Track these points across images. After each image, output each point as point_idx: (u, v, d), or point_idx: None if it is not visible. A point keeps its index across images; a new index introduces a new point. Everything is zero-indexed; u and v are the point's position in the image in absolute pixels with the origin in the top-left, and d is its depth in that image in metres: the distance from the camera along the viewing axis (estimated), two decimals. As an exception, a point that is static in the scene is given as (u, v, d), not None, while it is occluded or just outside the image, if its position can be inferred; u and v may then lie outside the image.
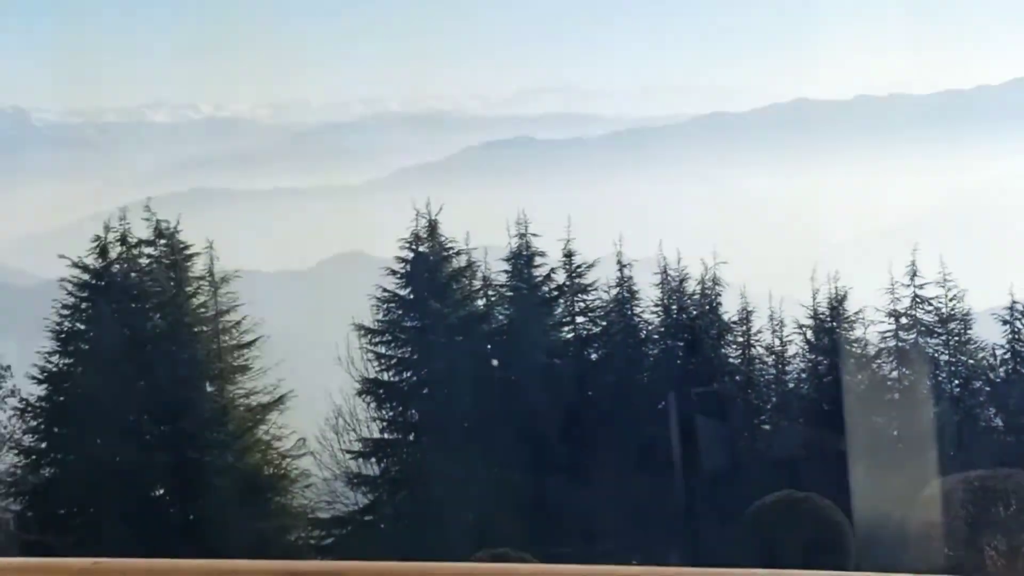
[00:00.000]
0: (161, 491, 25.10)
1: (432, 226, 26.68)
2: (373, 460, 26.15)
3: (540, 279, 27.25)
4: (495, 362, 26.22)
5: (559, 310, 27.43)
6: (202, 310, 26.39)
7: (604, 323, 27.21)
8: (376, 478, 26.09)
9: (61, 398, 25.33)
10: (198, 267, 26.38)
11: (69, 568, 2.62)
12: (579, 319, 27.35)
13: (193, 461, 24.29)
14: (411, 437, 26.33)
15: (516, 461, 24.26)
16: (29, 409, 25.34)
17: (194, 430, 24.77)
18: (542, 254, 27.31)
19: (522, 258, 27.13)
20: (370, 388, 26.25)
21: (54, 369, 25.37)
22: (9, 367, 26.37)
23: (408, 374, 26.39)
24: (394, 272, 26.62)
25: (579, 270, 27.24)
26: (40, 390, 25.40)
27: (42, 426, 25.40)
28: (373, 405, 26.42)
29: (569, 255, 27.14)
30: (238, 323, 26.47)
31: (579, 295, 27.31)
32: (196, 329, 26.10)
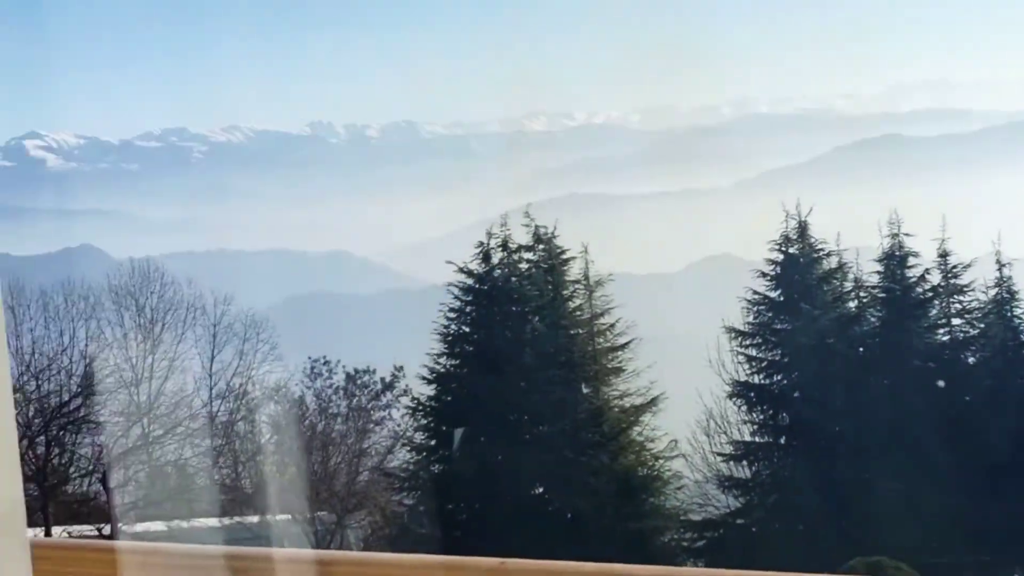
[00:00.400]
0: (540, 489, 25.68)
1: (802, 227, 26.40)
2: (744, 463, 25.94)
3: (914, 280, 26.40)
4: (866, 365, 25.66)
5: (934, 312, 26.46)
6: (578, 313, 26.93)
7: (982, 325, 26.19)
8: (747, 481, 25.88)
9: (448, 398, 26.37)
10: (574, 271, 27.01)
11: (477, 567, 2.73)
12: (955, 321, 26.37)
13: (570, 461, 24.65)
14: (782, 440, 26.08)
15: (889, 467, 23.60)
16: (420, 408, 26.62)
17: (571, 430, 25.24)
18: (915, 254, 26.42)
19: (895, 259, 26.33)
20: (741, 391, 26.17)
21: (442, 370, 26.48)
22: (402, 368, 27.87)
23: (779, 377, 26.17)
24: (764, 274, 26.50)
25: (955, 270, 26.20)
26: (430, 390, 26.58)
27: (432, 424, 26.51)
28: (744, 408, 26.31)
29: (944, 255, 26.15)
30: (612, 326, 26.87)
31: (955, 296, 26.31)
32: (572, 332, 26.65)
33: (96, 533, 22.11)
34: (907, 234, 26.43)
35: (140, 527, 23.67)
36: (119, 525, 23.32)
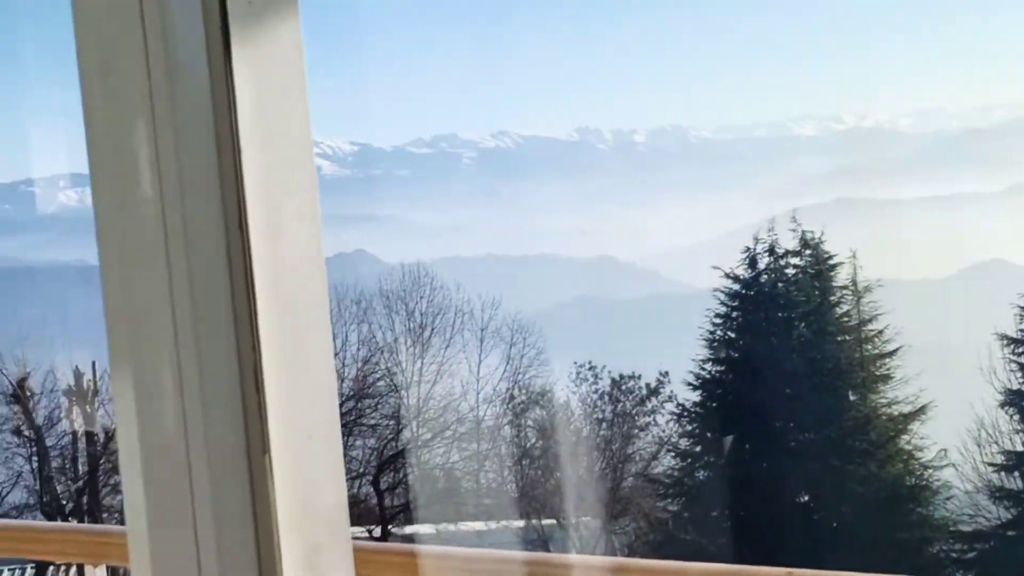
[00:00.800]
0: (806, 498, 25.26)
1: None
2: (1016, 474, 24.83)
3: None
4: None
5: None
6: (845, 319, 26.32)
7: None
8: (1020, 492, 24.74)
9: (713, 404, 26.19)
10: (841, 277, 26.45)
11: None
12: None
13: (836, 469, 24.19)
14: (1061, 452, 24.82)
15: None
16: (685, 414, 26.53)
17: (837, 438, 24.71)
18: None
19: None
20: (1013, 400, 24.97)
21: (707, 376, 26.34)
22: (667, 373, 27.74)
23: (1056, 386, 24.93)
24: (1041, 279, 25.25)
25: None
26: (695, 396, 26.48)
27: (697, 430, 26.40)
28: (1016, 417, 25.12)
29: None
30: (880, 332, 26.15)
31: None
32: (839, 338, 26.06)
33: (367, 535, 22.70)
34: None
35: (409, 529, 24.21)
36: (389, 527, 23.93)
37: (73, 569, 20.69)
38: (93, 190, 1.39)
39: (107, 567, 3.90)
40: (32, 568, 21.06)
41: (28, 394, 22.94)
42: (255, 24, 1.39)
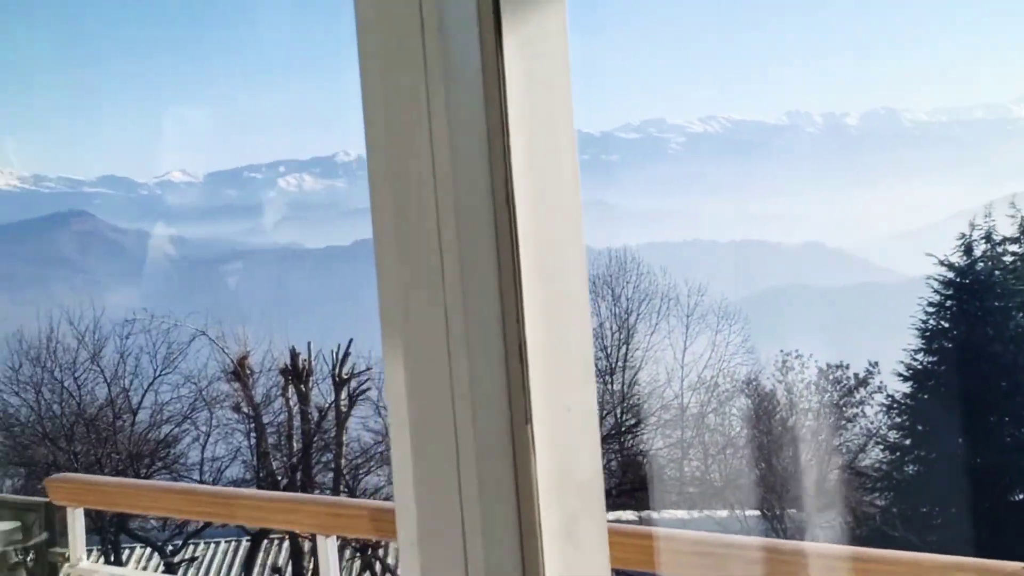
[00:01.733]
0: (1021, 496, 24.46)
1: None
2: None
3: None
4: None
5: None
6: (1070, 308, 25.36)
7: None
8: None
9: (925, 396, 25.56)
10: (1069, 263, 25.47)
11: (1002, 570, 2.81)
12: None
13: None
14: None
15: None
16: (895, 406, 25.93)
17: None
18: None
19: None
20: None
21: (919, 367, 25.69)
22: (876, 363, 27.14)
23: None
24: None
25: None
26: (905, 387, 25.85)
27: (907, 423, 25.81)
28: None
29: None
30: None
31: None
32: (1061, 330, 25.14)
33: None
34: None
35: (611, 515, 24.31)
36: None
37: (286, 542, 21.40)
38: (369, 169, 1.46)
39: (337, 537, 4.04)
40: (248, 540, 21.82)
41: (248, 372, 23.77)
42: (525, 6, 1.44)
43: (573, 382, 1.53)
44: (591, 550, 1.54)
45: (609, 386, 27.59)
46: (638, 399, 27.63)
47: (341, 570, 19.49)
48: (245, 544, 21.81)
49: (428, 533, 1.46)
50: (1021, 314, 25.16)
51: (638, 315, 29.18)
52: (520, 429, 1.46)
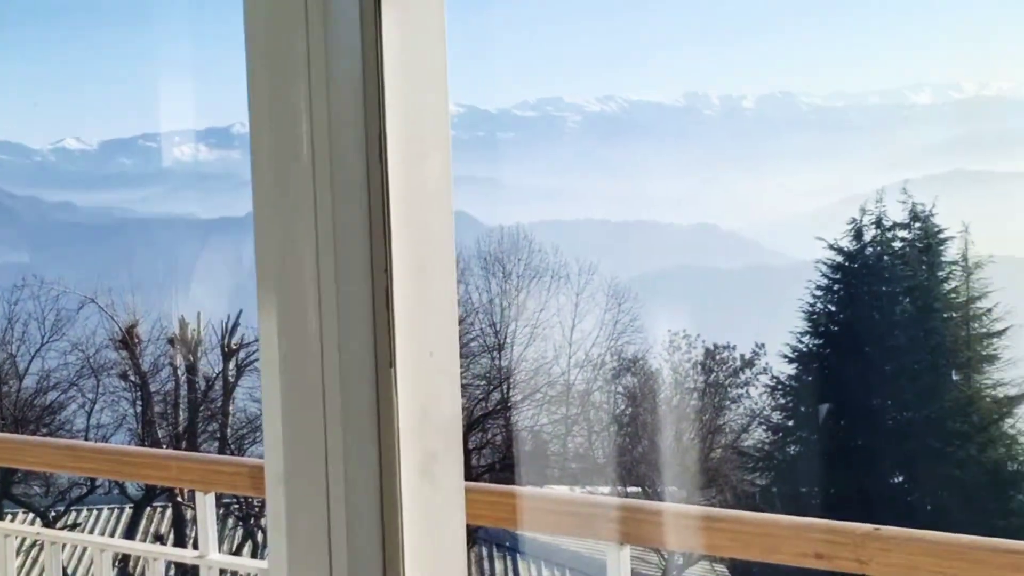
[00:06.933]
0: (900, 478, 25.03)
1: None
2: None
3: None
4: None
5: None
6: (952, 296, 25.93)
7: None
8: None
9: (809, 378, 26.02)
10: (951, 251, 26.03)
11: (853, 532, 2.92)
12: None
13: (934, 451, 23.91)
14: None
15: None
16: (779, 387, 26.39)
17: (937, 419, 24.40)
18: None
19: None
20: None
21: (804, 349, 26.17)
22: (763, 345, 27.60)
23: None
24: None
25: None
26: (790, 369, 26.32)
27: (790, 404, 26.28)
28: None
29: None
30: (989, 311, 25.72)
31: None
32: (945, 315, 25.70)
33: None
34: None
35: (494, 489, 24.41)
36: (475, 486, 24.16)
37: (169, 510, 21.29)
38: (251, 131, 1.55)
39: (215, 494, 4.11)
40: (131, 508, 21.67)
41: (136, 341, 23.58)
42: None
43: (436, 329, 1.63)
44: (448, 489, 1.64)
45: (497, 362, 27.70)
46: (525, 375, 27.79)
47: (223, 539, 19.44)
48: (128, 511, 21.64)
49: (293, 468, 1.56)
50: (908, 299, 25.71)
51: (528, 292, 29.32)
52: (384, 371, 1.56)
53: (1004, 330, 25.50)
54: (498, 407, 26.40)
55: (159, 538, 20.38)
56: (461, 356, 26.55)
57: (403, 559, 1.58)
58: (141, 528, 21.17)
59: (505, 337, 27.99)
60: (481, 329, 27.92)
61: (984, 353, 25.52)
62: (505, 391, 26.99)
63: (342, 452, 1.55)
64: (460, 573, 1.66)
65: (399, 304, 1.55)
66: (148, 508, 21.67)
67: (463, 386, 27.09)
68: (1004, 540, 2.85)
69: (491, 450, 25.45)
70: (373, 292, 1.55)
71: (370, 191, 1.54)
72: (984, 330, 25.66)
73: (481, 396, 26.15)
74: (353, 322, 1.54)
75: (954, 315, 25.75)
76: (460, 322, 28.01)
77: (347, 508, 1.55)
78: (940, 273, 26.01)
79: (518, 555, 20.56)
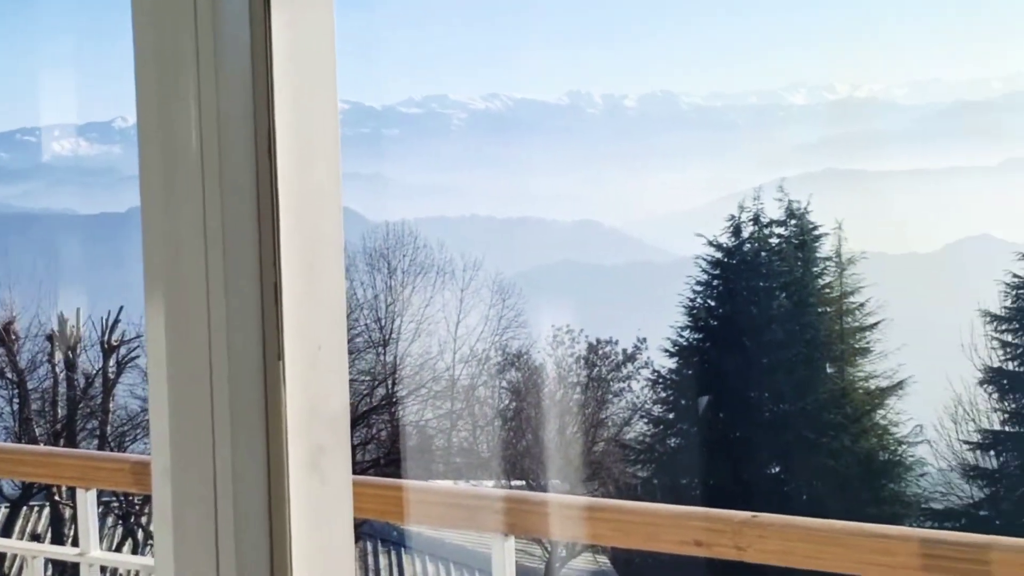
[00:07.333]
0: (777, 469, 25.48)
1: (1072, 210, 25.19)
2: (992, 453, 25.03)
3: None
4: None
5: None
6: (827, 291, 26.51)
7: None
8: (994, 472, 24.93)
9: (689, 372, 26.39)
10: (826, 248, 26.63)
11: (731, 519, 2.98)
12: None
13: (809, 442, 24.40)
14: (1036, 431, 25.02)
15: None
16: (660, 380, 26.74)
17: (813, 410, 24.91)
18: None
19: None
20: (993, 377, 25.18)
21: (684, 343, 26.54)
22: (644, 339, 27.92)
23: (1036, 364, 25.14)
24: (1027, 257, 25.42)
25: None
26: (671, 363, 26.67)
27: (671, 397, 26.63)
28: (995, 396, 25.33)
29: None
30: (861, 305, 26.35)
31: None
32: (820, 310, 26.26)
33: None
34: None
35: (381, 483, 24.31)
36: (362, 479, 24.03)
37: (46, 509, 20.86)
38: (139, 128, 1.55)
39: (97, 491, 4.06)
40: (6, 507, 21.22)
41: (13, 337, 23.07)
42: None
43: (325, 323, 1.65)
44: (336, 483, 1.66)
45: (382, 357, 27.62)
46: (410, 371, 27.74)
47: (103, 537, 19.12)
48: (4, 510, 21.18)
49: (180, 462, 1.57)
50: (784, 294, 26.20)
51: (413, 288, 29.29)
52: (272, 365, 1.58)
53: (876, 324, 26.15)
54: (383, 402, 26.31)
55: (36, 537, 19.96)
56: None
57: (291, 552, 1.59)
58: (17, 528, 20.72)
59: (390, 333, 27.91)
60: (366, 325, 27.82)
61: (857, 346, 26.13)
62: (390, 386, 26.92)
63: (230, 446, 1.56)
64: (348, 566, 1.68)
65: (288, 299, 1.57)
66: (24, 507, 21.22)
67: (348, 381, 27.00)
68: (875, 525, 2.95)
69: (376, 445, 25.35)
70: (262, 287, 1.57)
71: (259, 187, 1.56)
72: (857, 324, 26.28)
73: (366, 392, 26.03)
74: (241, 317, 1.56)
75: (828, 310, 26.31)
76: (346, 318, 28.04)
77: (235, 502, 1.57)
78: (815, 269, 26.57)
79: (403, 550, 20.54)
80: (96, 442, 22.43)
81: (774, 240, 26.85)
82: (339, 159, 1.67)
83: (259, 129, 1.57)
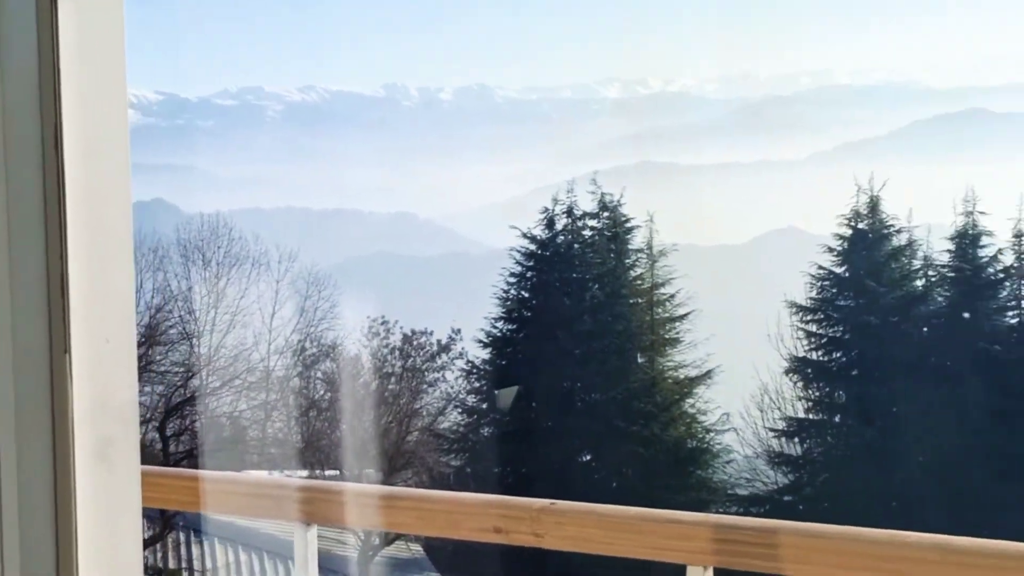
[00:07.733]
0: (588, 457, 25.85)
1: (873, 203, 26.08)
2: (796, 440, 25.83)
3: (986, 260, 25.82)
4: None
5: (1004, 294, 25.88)
6: (638, 282, 26.99)
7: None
8: (798, 458, 25.75)
9: (503, 362, 26.62)
10: (638, 240, 27.10)
11: (530, 507, 3.03)
12: (1026, 304, 25.83)
13: (620, 430, 24.80)
14: (836, 419, 25.91)
15: (946, 450, 23.37)
16: (474, 371, 26.89)
17: (623, 400, 25.32)
18: (990, 234, 25.86)
19: (967, 238, 25.79)
20: (798, 367, 25.99)
21: (498, 334, 26.75)
22: (459, 330, 28.06)
23: (838, 354, 26.00)
24: (830, 249, 26.26)
25: (1030, 251, 25.59)
26: (485, 354, 26.85)
27: (485, 387, 26.81)
28: (800, 384, 26.14)
29: (1020, 235, 25.43)
30: (672, 296, 26.90)
31: (1027, 278, 25.74)
32: (631, 301, 26.72)
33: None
34: (982, 212, 25.86)
35: (181, 474, 23.89)
36: (162, 470, 23.56)
37: None
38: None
39: None
40: None
41: None
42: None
43: (113, 316, 1.66)
44: (124, 473, 1.68)
45: (196, 349, 27.18)
46: (224, 362, 27.35)
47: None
48: None
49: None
50: (597, 285, 26.58)
51: (228, 280, 28.90)
52: (59, 358, 1.58)
53: (686, 315, 26.75)
54: (197, 393, 25.89)
55: None
56: (159, 343, 25.91)
57: (76, 543, 1.60)
58: None
59: (205, 324, 27.49)
60: (180, 316, 27.36)
61: (667, 336, 26.69)
62: (204, 377, 26.50)
63: (14, 439, 1.56)
64: (136, 554, 1.70)
65: (75, 293, 1.58)
66: None
67: (161, 373, 26.47)
68: (670, 511, 3.04)
69: (190, 436, 24.94)
70: (48, 279, 1.57)
71: (45, 181, 1.56)
72: (667, 315, 26.84)
73: (180, 383, 25.60)
74: (27, 309, 1.56)
75: (640, 300, 26.81)
76: (159, 309, 27.43)
77: (19, 495, 1.57)
78: (627, 261, 27.04)
79: (216, 540, 20.27)
80: None
81: (587, 232, 27.24)
82: (128, 152, 1.68)
83: (45, 123, 1.57)
